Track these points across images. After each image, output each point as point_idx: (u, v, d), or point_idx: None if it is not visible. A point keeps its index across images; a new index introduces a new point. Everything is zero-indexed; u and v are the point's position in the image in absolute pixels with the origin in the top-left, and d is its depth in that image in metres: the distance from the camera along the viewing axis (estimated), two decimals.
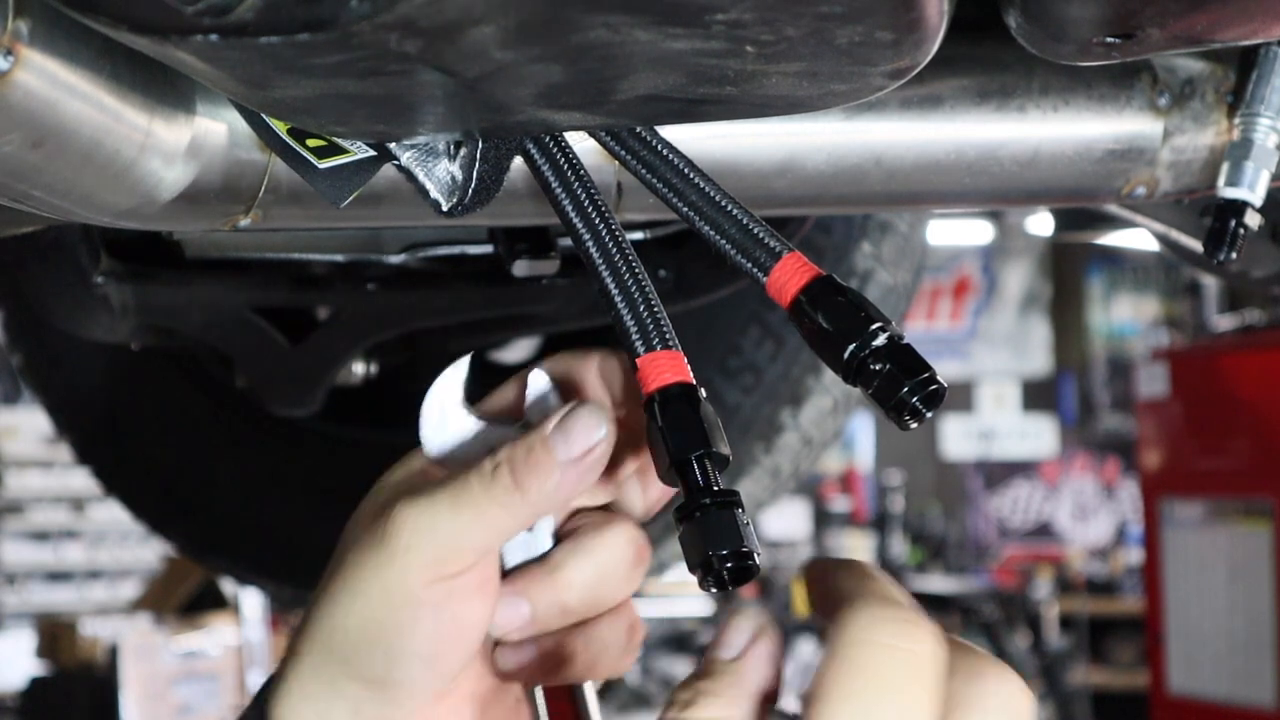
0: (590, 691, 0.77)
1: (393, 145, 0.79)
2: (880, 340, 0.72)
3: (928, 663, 0.59)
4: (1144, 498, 5.30)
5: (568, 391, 0.76)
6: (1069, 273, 11.24)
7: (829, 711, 0.57)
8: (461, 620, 0.71)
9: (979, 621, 7.86)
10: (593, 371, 0.77)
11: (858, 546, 10.00)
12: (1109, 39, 0.77)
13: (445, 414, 0.76)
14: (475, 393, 0.77)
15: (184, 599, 6.80)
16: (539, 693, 0.78)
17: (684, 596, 8.04)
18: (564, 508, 0.75)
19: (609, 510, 0.77)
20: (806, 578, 0.67)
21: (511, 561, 0.75)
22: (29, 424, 9.71)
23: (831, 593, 0.63)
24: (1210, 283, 5.84)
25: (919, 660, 0.59)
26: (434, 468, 0.77)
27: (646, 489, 0.77)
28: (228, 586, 6.42)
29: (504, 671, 0.76)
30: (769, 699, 0.63)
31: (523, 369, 0.77)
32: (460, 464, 0.74)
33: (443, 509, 0.71)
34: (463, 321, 1.52)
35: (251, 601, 6.50)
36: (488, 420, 0.76)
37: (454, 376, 0.77)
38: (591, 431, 0.71)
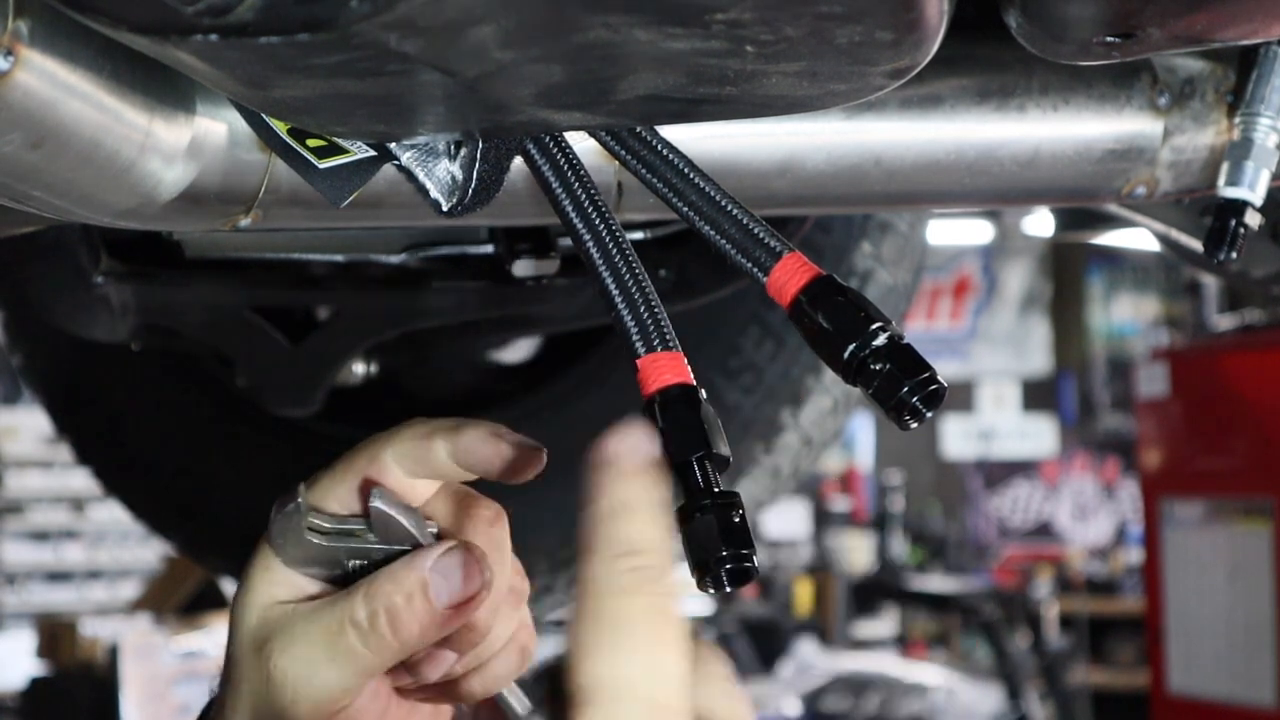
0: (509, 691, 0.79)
1: (393, 145, 0.79)
2: (880, 340, 0.72)
3: (664, 598, 0.63)
4: (1144, 497, 5.30)
5: (410, 489, 0.77)
6: (1069, 273, 11.24)
7: (605, 660, 0.61)
8: None
9: (979, 621, 7.85)
10: (440, 453, 0.76)
11: (858, 546, 10.00)
12: (1109, 38, 0.77)
13: (296, 536, 0.76)
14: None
15: (184, 599, 6.79)
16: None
17: (683, 596, 8.02)
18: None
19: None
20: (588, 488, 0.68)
21: (390, 545, 0.76)
22: (29, 424, 9.71)
23: (582, 544, 0.65)
24: (1210, 283, 5.84)
25: (655, 599, 0.62)
26: (291, 575, 0.77)
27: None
28: (228, 586, 6.42)
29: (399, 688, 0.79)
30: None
31: (361, 476, 0.77)
32: (318, 571, 0.75)
33: (321, 663, 0.73)
34: (463, 321, 1.52)
35: None
36: (335, 536, 0.76)
37: (294, 508, 0.76)
38: (470, 583, 0.72)
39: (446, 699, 0.80)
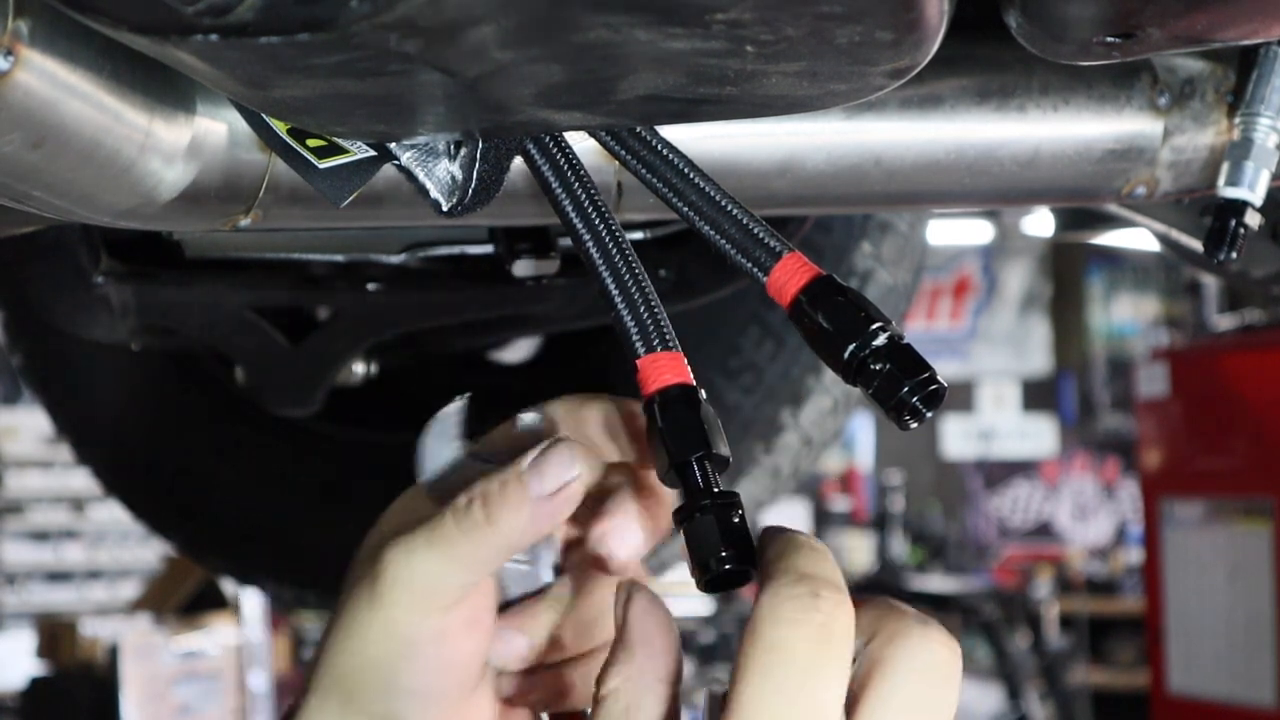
0: None
1: (393, 145, 0.79)
2: (880, 340, 0.72)
3: (833, 632, 0.62)
4: (1144, 497, 5.30)
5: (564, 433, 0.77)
6: (1069, 273, 11.24)
7: (744, 686, 0.61)
8: (453, 655, 0.73)
9: (979, 621, 7.85)
10: (594, 416, 0.77)
11: (858, 546, 10.00)
12: (1109, 39, 0.77)
13: (441, 450, 0.76)
14: (473, 429, 0.78)
15: (184, 599, 6.80)
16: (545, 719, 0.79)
17: (684, 596, 8.05)
18: (535, 539, 0.75)
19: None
20: (758, 550, 0.69)
21: (514, 593, 0.76)
22: (29, 424, 9.71)
23: (761, 569, 0.66)
24: (1210, 283, 5.84)
25: (823, 631, 0.62)
26: (429, 503, 0.77)
27: (653, 527, 0.78)
28: (228, 586, 6.43)
29: (506, 699, 0.78)
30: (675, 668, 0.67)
31: (521, 410, 0.77)
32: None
33: (420, 547, 0.72)
34: (463, 321, 1.52)
35: (251, 601, 6.51)
36: (481, 458, 0.76)
37: (450, 412, 0.77)
38: (565, 469, 0.72)
39: (551, 704, 0.79)
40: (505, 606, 0.76)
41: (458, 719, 0.75)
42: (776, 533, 0.68)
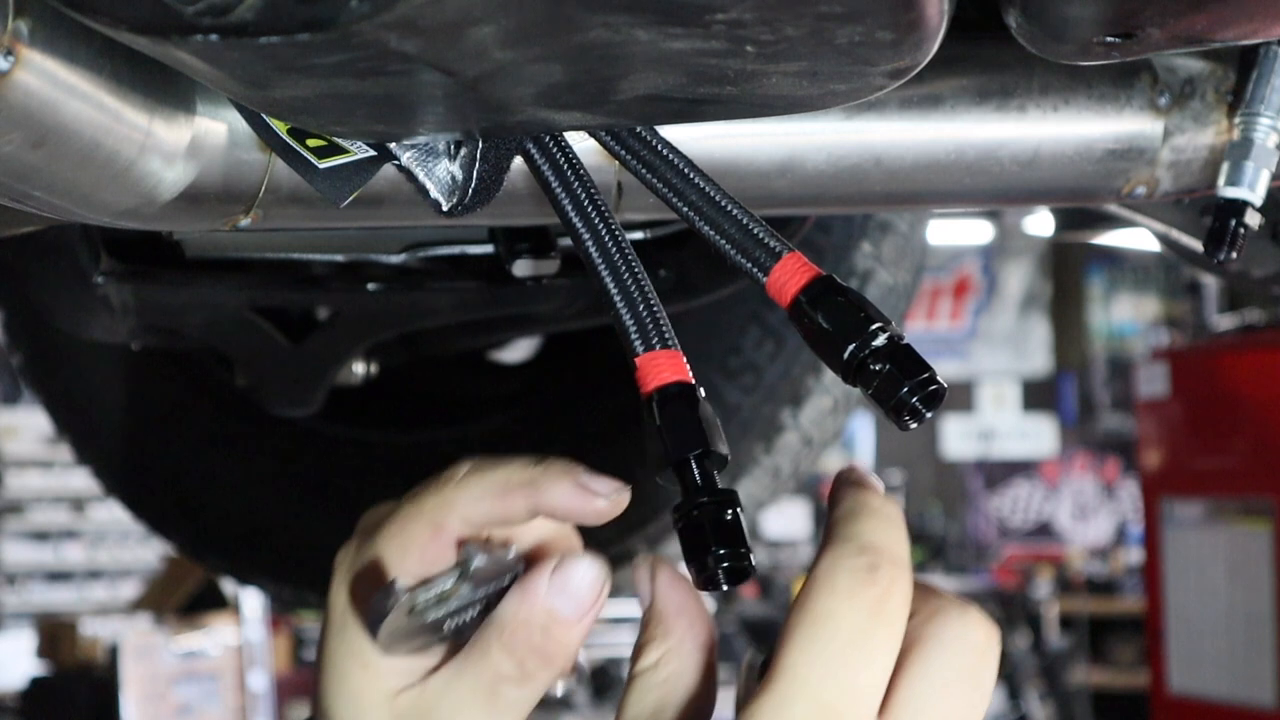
0: None
1: (393, 145, 0.79)
2: (880, 340, 0.72)
3: (886, 609, 0.61)
4: (1144, 498, 5.30)
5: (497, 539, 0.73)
6: (1069, 273, 11.25)
7: (791, 652, 0.60)
8: None
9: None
10: (519, 508, 0.72)
11: None
12: (1109, 39, 0.77)
13: (400, 624, 0.70)
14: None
15: (184, 599, 6.80)
16: None
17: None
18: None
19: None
20: (829, 502, 0.67)
21: (480, 590, 0.71)
22: (29, 424, 9.71)
23: (826, 531, 0.65)
24: (1210, 283, 5.84)
25: (877, 606, 0.60)
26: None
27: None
28: (228, 586, 6.43)
29: None
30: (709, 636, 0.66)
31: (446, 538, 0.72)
32: (419, 644, 0.71)
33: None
34: (463, 321, 1.52)
35: (251, 601, 6.51)
36: (435, 606, 0.70)
37: (392, 588, 0.70)
38: (593, 583, 0.69)
39: None
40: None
41: None
42: (848, 485, 0.66)
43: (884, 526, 0.63)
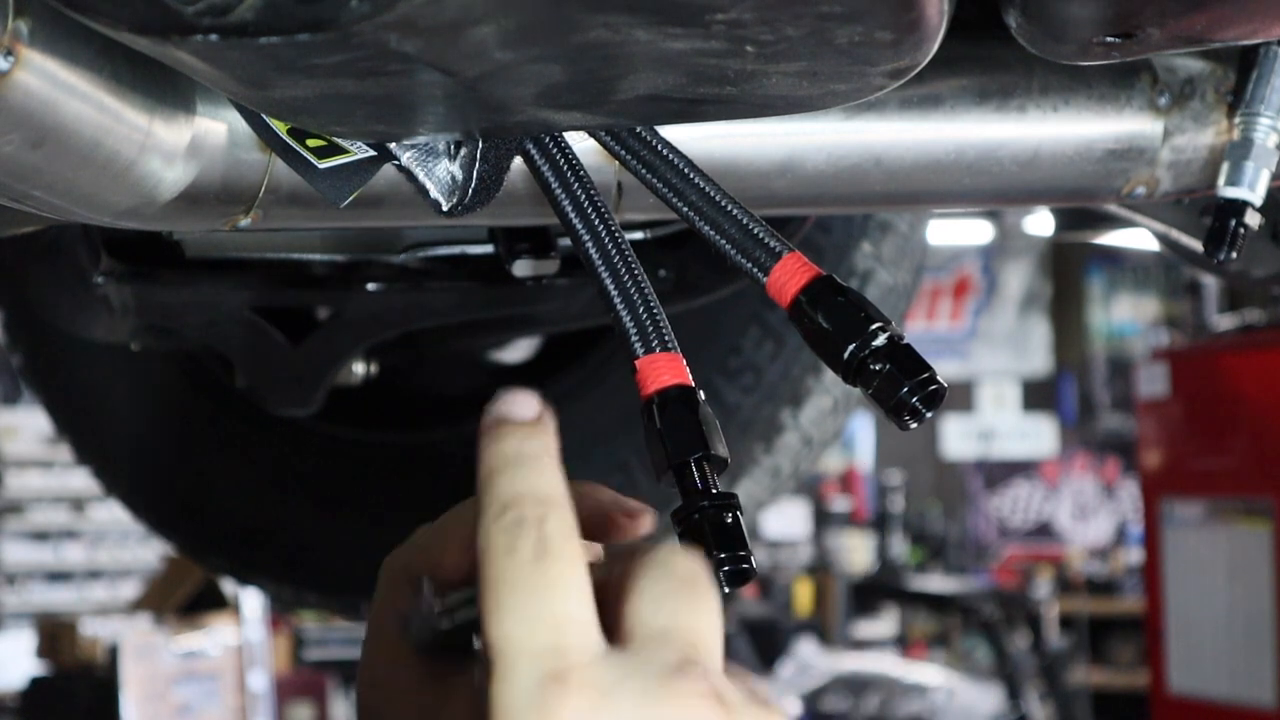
0: None
1: (393, 145, 0.79)
2: (880, 340, 0.72)
3: (547, 544, 0.61)
4: (1144, 498, 5.30)
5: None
6: (1069, 273, 11.24)
7: (489, 628, 0.60)
8: None
9: (979, 621, 7.85)
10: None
11: (858, 546, 10.00)
12: (1109, 39, 0.77)
13: (422, 621, 0.71)
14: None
15: (184, 599, 6.80)
16: None
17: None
18: None
19: None
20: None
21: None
22: (29, 424, 9.71)
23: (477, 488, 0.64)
24: (1210, 283, 5.84)
25: (537, 546, 0.61)
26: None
27: None
28: (228, 586, 6.43)
29: None
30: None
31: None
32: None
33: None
34: (463, 321, 1.52)
35: (251, 601, 6.50)
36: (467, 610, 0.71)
37: (425, 597, 0.71)
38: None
39: None
40: None
41: None
42: (489, 435, 0.64)
43: (521, 473, 0.63)
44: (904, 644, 9.24)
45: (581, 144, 0.81)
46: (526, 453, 0.64)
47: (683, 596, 0.62)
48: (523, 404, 0.65)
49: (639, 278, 0.76)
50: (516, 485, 0.63)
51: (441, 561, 0.72)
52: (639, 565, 0.63)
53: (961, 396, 11.12)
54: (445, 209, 0.80)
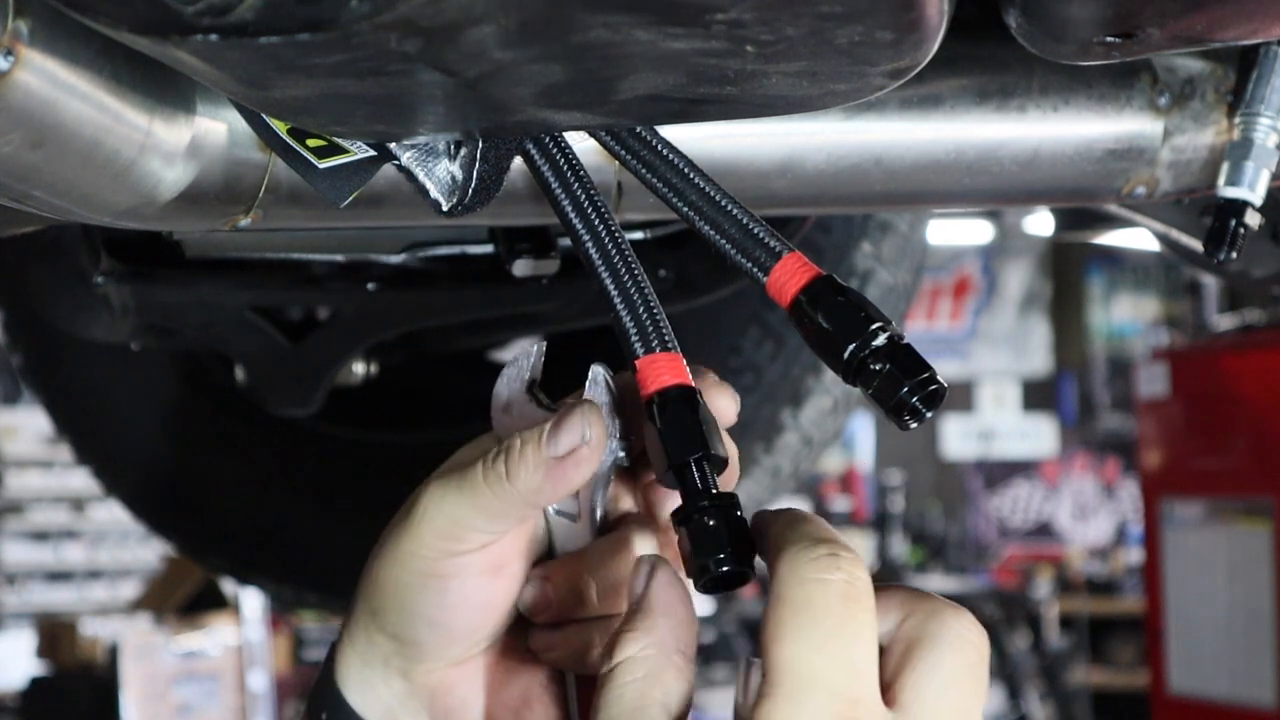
0: None
1: (393, 145, 0.79)
2: (880, 340, 0.72)
3: (858, 588, 0.63)
4: (1144, 498, 5.30)
5: (627, 395, 0.77)
6: (1069, 273, 11.24)
7: (784, 647, 0.62)
8: (472, 595, 0.76)
9: (979, 621, 7.84)
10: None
11: (858, 546, 9.98)
12: (1109, 39, 0.77)
13: (511, 397, 0.78)
14: (548, 372, 0.79)
15: (184, 599, 6.80)
16: (570, 678, 0.80)
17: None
18: (555, 497, 0.76)
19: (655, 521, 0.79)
20: (753, 533, 0.70)
21: (563, 547, 0.78)
22: (29, 424, 9.71)
23: (770, 543, 0.67)
24: (1210, 283, 5.84)
25: (848, 587, 0.63)
26: (486, 448, 0.78)
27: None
28: (228, 586, 6.43)
29: (533, 650, 0.79)
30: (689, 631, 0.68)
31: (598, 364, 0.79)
32: None
33: (450, 490, 0.75)
34: (463, 321, 1.52)
35: (251, 601, 6.50)
36: (543, 403, 0.78)
37: (524, 361, 0.78)
38: (577, 433, 0.73)
39: (576, 663, 0.79)
40: (543, 559, 0.78)
41: (477, 661, 0.78)
42: (775, 513, 0.69)
43: (824, 527, 0.66)
44: None
45: (581, 144, 0.81)
46: (822, 521, 0.67)
47: (968, 683, 0.64)
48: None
49: (639, 278, 0.76)
50: (827, 533, 0.65)
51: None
52: (931, 635, 0.64)
53: (961, 396, 11.12)
54: (445, 209, 0.80)
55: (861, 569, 0.63)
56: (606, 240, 0.76)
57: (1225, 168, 0.97)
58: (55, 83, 0.68)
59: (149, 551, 9.28)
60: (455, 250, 1.29)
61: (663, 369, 0.73)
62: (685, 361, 0.75)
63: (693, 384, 0.74)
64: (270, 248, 1.29)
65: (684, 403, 0.72)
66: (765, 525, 0.68)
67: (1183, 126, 0.99)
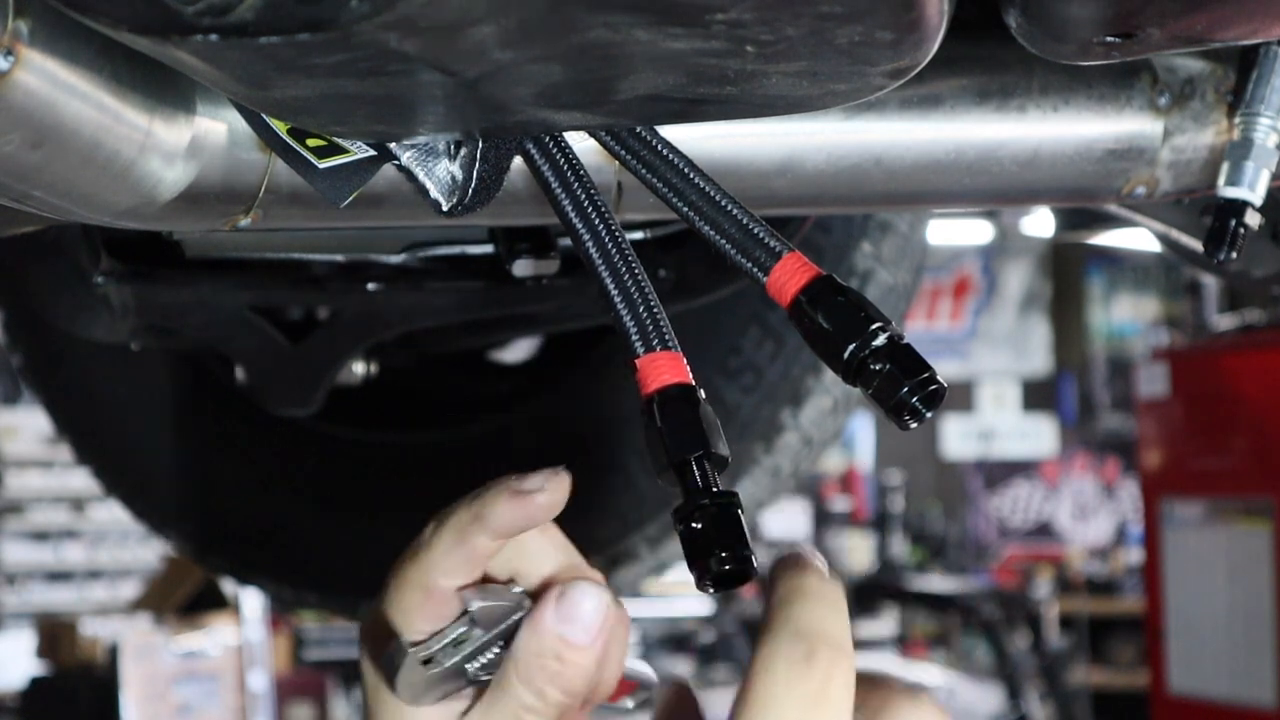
0: None
1: (393, 145, 0.79)
2: (880, 340, 0.72)
3: (828, 695, 0.62)
4: (1144, 498, 5.30)
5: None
6: (1069, 273, 11.25)
7: None
8: None
9: (979, 621, 7.85)
10: (483, 545, 0.72)
11: (858, 546, 10.00)
12: (1109, 39, 0.77)
13: (417, 676, 0.72)
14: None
15: (184, 599, 6.80)
16: None
17: (684, 596, 8.05)
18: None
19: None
20: (768, 580, 0.68)
21: (493, 630, 0.73)
22: (29, 424, 9.71)
23: (765, 610, 0.66)
24: (1210, 283, 5.84)
25: (819, 695, 0.61)
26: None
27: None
28: (228, 586, 6.43)
29: None
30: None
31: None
32: (449, 688, 0.73)
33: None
34: (463, 321, 1.52)
35: (251, 601, 6.51)
36: (450, 652, 0.72)
37: (402, 647, 0.72)
38: (596, 603, 0.70)
39: None
40: None
41: None
42: (789, 569, 0.67)
43: (821, 611, 0.64)
44: (904, 644, 9.24)
45: (581, 144, 0.81)
46: (831, 595, 0.64)
47: None
48: (819, 563, 0.66)
49: (639, 277, 0.76)
50: (816, 622, 0.63)
51: (413, 624, 0.72)
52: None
53: (961, 396, 11.12)
54: (445, 209, 0.80)
55: (839, 670, 0.62)
56: (606, 240, 0.76)
57: (1225, 168, 0.97)
58: (55, 83, 0.68)
59: (149, 551, 9.28)
60: (455, 250, 1.29)
61: (663, 368, 0.73)
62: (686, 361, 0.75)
63: (693, 382, 0.74)
64: (270, 248, 1.29)
65: (685, 401, 0.72)
66: (773, 581, 0.67)
67: (1183, 126, 0.99)
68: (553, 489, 0.71)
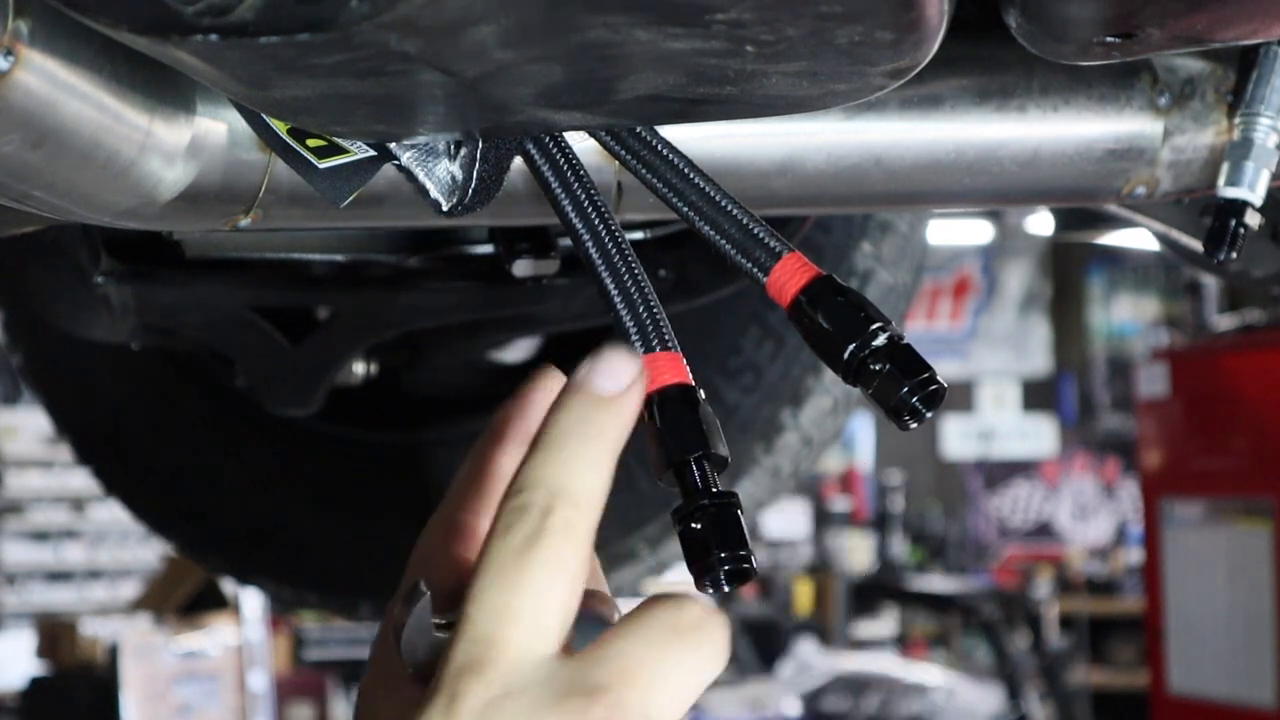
0: None
1: (393, 145, 0.79)
2: (880, 340, 0.72)
3: (544, 540, 0.61)
4: (1144, 498, 5.30)
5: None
6: (1069, 273, 11.25)
7: (469, 603, 0.61)
8: None
9: (979, 621, 7.85)
10: (478, 524, 0.73)
11: (858, 546, 10.00)
12: (1109, 39, 0.77)
13: (419, 634, 0.69)
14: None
15: (184, 599, 6.80)
16: None
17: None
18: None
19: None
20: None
21: None
22: (29, 424, 9.71)
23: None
24: (1210, 283, 5.84)
25: (529, 539, 0.61)
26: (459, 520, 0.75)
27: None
28: (228, 586, 6.43)
29: None
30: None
31: None
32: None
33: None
34: (463, 321, 1.52)
35: (251, 601, 6.50)
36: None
37: (424, 604, 0.69)
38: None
39: None
40: None
41: None
42: (566, 391, 0.64)
43: (551, 454, 0.62)
44: (904, 644, 9.24)
45: (581, 144, 0.81)
46: (580, 431, 0.62)
47: (664, 647, 0.60)
48: (615, 373, 0.63)
49: (639, 277, 0.76)
50: (543, 467, 0.62)
51: (439, 570, 0.72)
52: (649, 602, 0.62)
53: (961, 396, 11.12)
54: (445, 209, 0.80)
55: (559, 513, 0.60)
56: (606, 240, 0.76)
57: (1225, 168, 0.97)
58: (55, 83, 0.68)
59: (149, 551, 9.28)
60: (455, 250, 1.29)
61: (663, 368, 0.73)
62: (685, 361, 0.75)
63: (692, 383, 0.74)
64: (270, 248, 1.29)
65: (684, 402, 0.72)
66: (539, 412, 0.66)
67: (1183, 126, 0.99)
68: (544, 378, 0.72)
